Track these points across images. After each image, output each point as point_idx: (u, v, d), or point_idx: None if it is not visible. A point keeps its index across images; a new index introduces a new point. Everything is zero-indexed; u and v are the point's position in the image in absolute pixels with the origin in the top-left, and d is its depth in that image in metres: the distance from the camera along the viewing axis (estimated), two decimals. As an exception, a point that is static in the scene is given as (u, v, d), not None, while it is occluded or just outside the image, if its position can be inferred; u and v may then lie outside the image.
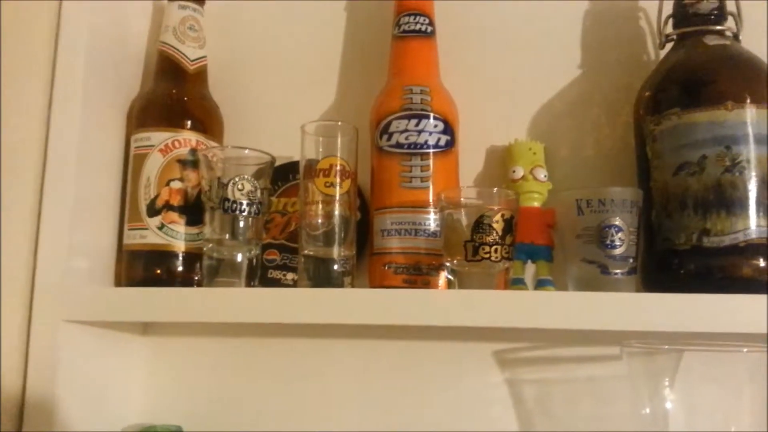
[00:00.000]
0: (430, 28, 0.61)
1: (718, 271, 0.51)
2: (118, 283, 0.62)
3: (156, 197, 0.60)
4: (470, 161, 0.64)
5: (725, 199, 0.50)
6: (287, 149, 0.63)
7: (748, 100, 0.51)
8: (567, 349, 0.61)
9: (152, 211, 0.60)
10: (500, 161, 0.64)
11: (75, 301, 0.56)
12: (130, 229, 0.60)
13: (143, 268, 0.60)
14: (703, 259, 0.51)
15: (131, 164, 0.62)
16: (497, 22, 0.67)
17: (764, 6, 0.63)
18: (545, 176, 0.60)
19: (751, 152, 0.50)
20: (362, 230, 0.61)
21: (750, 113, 0.51)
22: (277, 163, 0.61)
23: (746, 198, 0.50)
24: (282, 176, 0.65)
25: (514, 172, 0.60)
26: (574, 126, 0.65)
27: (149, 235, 0.59)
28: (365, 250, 0.62)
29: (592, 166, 0.63)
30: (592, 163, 0.64)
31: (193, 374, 0.66)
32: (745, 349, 0.49)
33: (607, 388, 0.60)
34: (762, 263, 0.50)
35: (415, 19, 0.61)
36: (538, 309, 0.49)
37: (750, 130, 0.51)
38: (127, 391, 0.65)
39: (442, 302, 0.50)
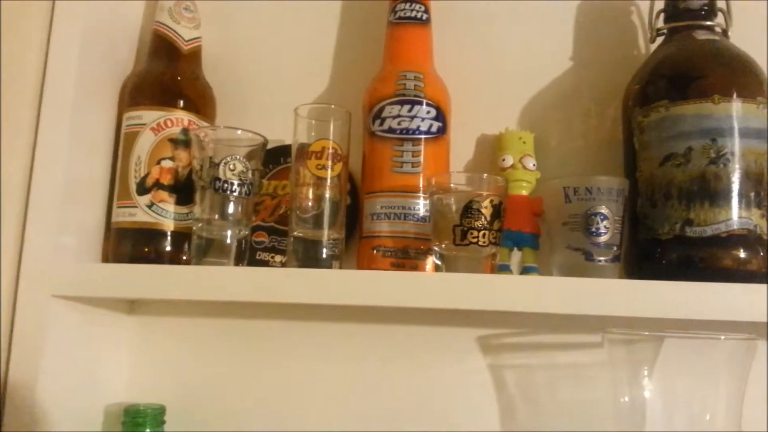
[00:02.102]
0: (425, 16, 0.62)
1: (699, 260, 0.51)
2: (106, 260, 0.62)
3: (146, 176, 0.60)
4: (461, 149, 0.64)
5: (709, 190, 0.51)
6: (279, 133, 0.63)
7: (735, 94, 0.52)
8: (549, 335, 0.62)
9: (142, 189, 0.60)
10: (490, 149, 0.64)
11: (63, 277, 0.56)
12: (119, 207, 0.60)
13: (131, 246, 0.59)
14: (686, 248, 0.52)
15: (122, 142, 0.62)
16: (492, 12, 0.68)
17: (764, 6, 0.64)
18: (534, 165, 0.60)
19: (735, 145, 0.51)
20: (352, 215, 0.62)
21: (736, 107, 0.52)
22: (269, 146, 0.61)
23: (729, 190, 0.51)
24: (273, 159, 0.66)
25: (503, 160, 0.60)
26: (564, 117, 0.65)
27: (138, 213, 0.59)
28: (354, 236, 0.62)
29: (580, 157, 0.64)
30: (581, 153, 0.64)
31: (178, 354, 0.66)
32: (722, 337, 0.50)
33: (588, 374, 0.61)
34: (743, 254, 0.51)
35: (411, 5, 0.61)
36: (523, 293, 0.50)
37: (735, 124, 0.52)
38: (113, 370, 0.65)
39: (429, 284, 0.51)
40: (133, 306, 0.68)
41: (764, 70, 0.54)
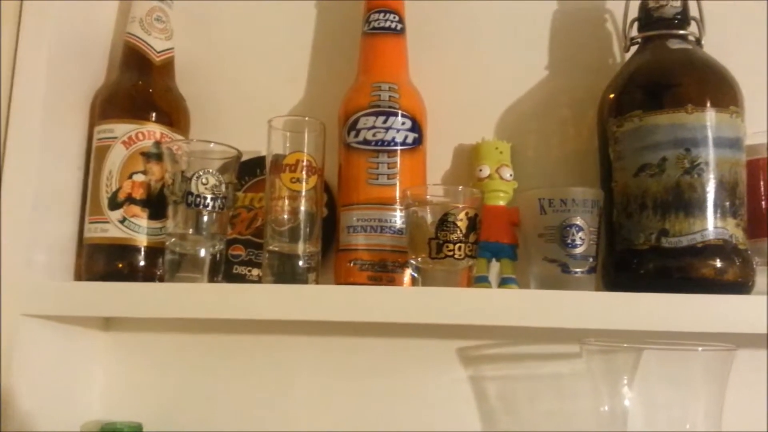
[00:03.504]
0: (400, 26, 0.61)
1: (676, 271, 0.51)
2: (78, 277, 0.61)
3: (118, 190, 0.59)
4: (438, 159, 0.64)
5: (684, 201, 0.51)
6: (255, 144, 0.63)
7: (708, 104, 0.52)
8: (529, 346, 0.62)
9: (114, 204, 0.59)
10: (467, 160, 0.64)
11: (34, 295, 0.55)
12: (91, 222, 0.59)
13: (104, 262, 0.59)
14: (662, 259, 0.52)
15: (93, 156, 0.61)
16: (467, 21, 0.67)
17: (737, 14, 0.64)
18: (511, 175, 0.60)
19: (710, 155, 0.51)
20: (329, 227, 0.61)
21: (710, 116, 0.52)
22: (245, 158, 0.61)
23: (704, 200, 0.51)
24: (249, 171, 0.65)
25: (480, 170, 0.60)
26: (541, 126, 0.65)
27: (110, 228, 0.58)
28: (332, 247, 0.61)
29: (558, 167, 0.64)
30: (558, 163, 0.64)
31: (155, 371, 0.66)
32: (700, 348, 0.50)
33: (568, 385, 0.61)
34: (719, 263, 0.51)
35: (385, 16, 0.61)
36: (500, 307, 0.49)
37: (709, 133, 0.51)
38: (88, 388, 0.64)
39: (406, 299, 0.50)
40: (108, 322, 0.67)
41: (737, 80, 0.54)
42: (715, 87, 0.53)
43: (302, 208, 0.56)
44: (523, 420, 0.62)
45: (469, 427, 0.62)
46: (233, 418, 0.64)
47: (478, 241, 0.54)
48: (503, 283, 0.58)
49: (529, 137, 0.65)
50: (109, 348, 0.66)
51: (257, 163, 0.65)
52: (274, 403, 0.64)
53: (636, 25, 0.59)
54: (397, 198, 0.57)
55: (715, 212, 0.51)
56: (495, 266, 0.60)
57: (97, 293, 0.54)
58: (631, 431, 0.54)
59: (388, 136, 0.58)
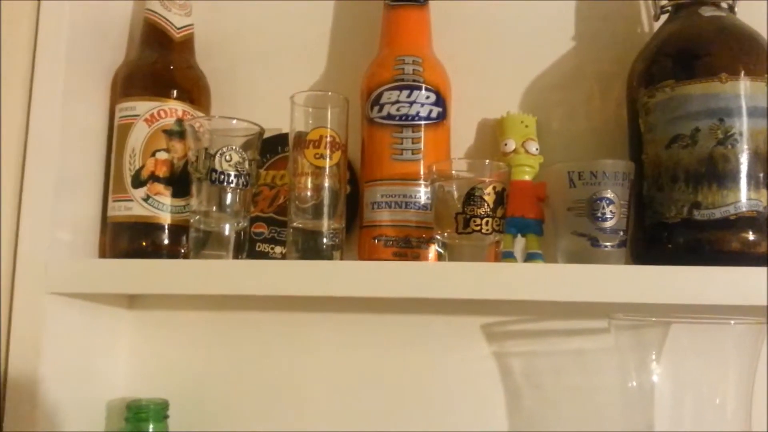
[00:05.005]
0: (422, -3, 0.60)
1: (707, 244, 0.50)
2: (103, 256, 0.61)
3: (141, 168, 0.58)
4: (462, 134, 0.63)
5: (717, 172, 0.50)
6: (276, 121, 0.62)
7: (743, 72, 0.50)
8: (555, 322, 0.61)
9: (137, 182, 0.58)
10: (492, 134, 0.63)
11: (59, 273, 0.55)
12: (114, 201, 0.59)
13: (128, 240, 0.58)
14: (694, 232, 0.51)
15: (116, 134, 0.60)
16: (491, -7, 0.66)
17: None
18: (537, 149, 0.59)
19: (744, 125, 0.50)
20: (352, 204, 0.60)
21: (744, 85, 0.50)
22: (266, 135, 0.60)
23: (738, 171, 0.50)
24: (271, 149, 0.64)
25: (505, 145, 0.59)
26: (567, 99, 0.64)
27: (134, 206, 0.58)
28: (355, 225, 0.61)
29: (584, 140, 0.63)
30: (584, 136, 0.63)
31: (180, 348, 0.66)
32: (732, 322, 0.49)
33: (595, 361, 0.60)
34: (751, 236, 0.50)
35: (407, -13, 0.59)
36: (528, 281, 0.49)
37: (743, 103, 0.50)
38: (113, 365, 0.65)
39: (432, 274, 0.50)
40: (132, 300, 0.67)
41: (773, 47, 0.53)
42: (749, 55, 0.51)
43: (326, 185, 0.55)
44: (549, 396, 0.61)
45: (493, 403, 0.62)
46: (258, 394, 0.64)
47: (505, 216, 0.53)
48: (529, 258, 0.58)
49: (554, 111, 0.64)
50: (133, 326, 0.67)
51: (279, 140, 0.64)
52: (298, 380, 0.64)
53: (666, -8, 0.58)
54: (422, 173, 0.56)
55: (749, 184, 0.50)
56: (520, 242, 0.59)
57: (121, 270, 0.54)
58: (659, 406, 0.53)
59: (413, 111, 0.57)
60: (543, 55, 0.64)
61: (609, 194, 0.53)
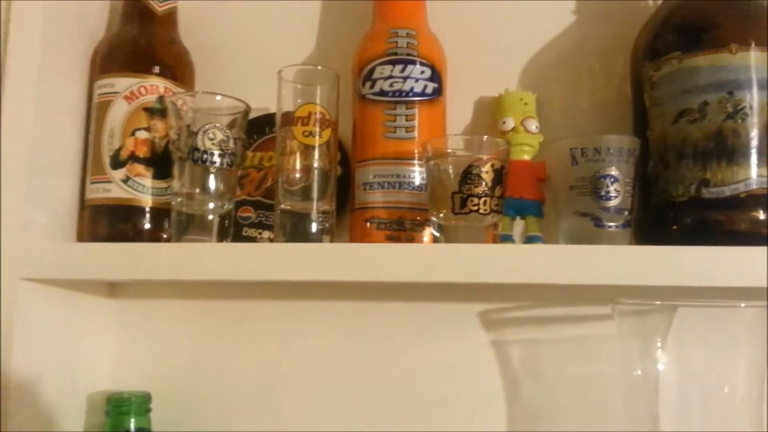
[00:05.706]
0: (416, -32, 0.57)
1: (716, 224, 0.48)
2: (80, 240, 0.58)
3: (120, 148, 0.56)
4: (458, 112, 0.61)
5: (726, 148, 0.48)
6: (264, 101, 0.59)
7: (753, 43, 0.48)
8: (555, 308, 0.59)
9: (116, 163, 0.56)
10: (490, 112, 0.61)
11: (34, 258, 0.52)
12: (92, 183, 0.57)
13: (107, 223, 0.56)
14: (701, 211, 0.48)
15: (94, 113, 0.58)
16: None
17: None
18: (537, 128, 0.57)
19: (754, 98, 0.48)
20: (343, 186, 0.58)
21: (755, 57, 0.48)
22: (253, 115, 0.58)
23: (748, 146, 0.48)
24: (258, 129, 0.62)
25: (504, 123, 0.57)
26: (568, 76, 0.62)
27: (113, 188, 0.56)
28: (346, 208, 0.59)
29: (586, 118, 0.61)
30: (586, 114, 0.61)
31: (163, 338, 0.63)
32: (742, 305, 0.47)
33: (597, 348, 0.58)
34: (762, 215, 0.48)
35: (400, -43, 0.57)
36: (528, 263, 0.46)
37: (754, 75, 0.48)
38: (94, 356, 0.62)
39: (427, 257, 0.48)
40: (113, 288, 0.64)
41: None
42: (759, 25, 0.49)
43: (315, 165, 0.53)
44: (549, 385, 0.59)
45: (492, 393, 0.60)
46: (245, 386, 0.62)
47: (504, 196, 0.50)
48: (529, 241, 0.56)
49: (554, 87, 0.61)
50: (115, 315, 0.64)
51: (266, 120, 0.61)
52: (286, 370, 0.62)
53: (672, -38, 0.55)
54: (416, 152, 0.54)
55: (760, 160, 0.48)
56: (519, 225, 0.57)
57: (100, 255, 0.51)
58: (664, 395, 0.52)
59: (406, 86, 0.54)
60: (543, 29, 0.62)
61: (613, 171, 0.51)
